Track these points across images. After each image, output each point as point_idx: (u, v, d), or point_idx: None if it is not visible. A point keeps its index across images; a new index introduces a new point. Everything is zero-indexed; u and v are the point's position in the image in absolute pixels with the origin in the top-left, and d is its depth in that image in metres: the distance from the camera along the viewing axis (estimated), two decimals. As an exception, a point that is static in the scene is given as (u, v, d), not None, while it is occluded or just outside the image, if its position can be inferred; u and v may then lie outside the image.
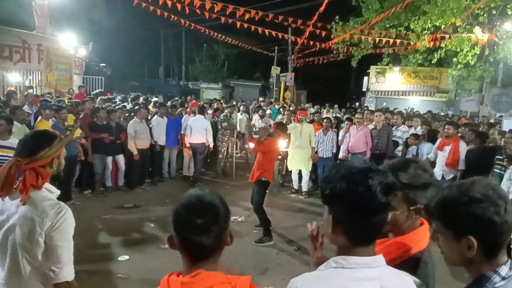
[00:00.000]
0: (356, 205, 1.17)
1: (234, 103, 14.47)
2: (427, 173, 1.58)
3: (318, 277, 1.21)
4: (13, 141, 4.81)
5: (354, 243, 1.21)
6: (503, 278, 1.17)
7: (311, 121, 9.00)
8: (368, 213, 1.18)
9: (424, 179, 1.54)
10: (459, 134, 6.82)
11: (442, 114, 16.76)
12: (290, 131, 8.28)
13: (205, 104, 10.70)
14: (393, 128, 8.36)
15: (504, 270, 1.18)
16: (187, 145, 8.83)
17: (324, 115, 11.69)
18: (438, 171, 6.43)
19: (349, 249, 1.21)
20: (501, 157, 5.63)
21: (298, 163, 8.15)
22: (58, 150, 2.01)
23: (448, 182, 6.21)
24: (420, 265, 1.47)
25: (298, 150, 8.08)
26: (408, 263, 1.44)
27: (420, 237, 1.53)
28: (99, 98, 10.21)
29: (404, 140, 7.98)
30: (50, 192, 1.99)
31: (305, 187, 8.19)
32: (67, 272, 1.88)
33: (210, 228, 1.23)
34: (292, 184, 8.46)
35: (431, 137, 7.53)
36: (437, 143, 6.72)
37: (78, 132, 6.78)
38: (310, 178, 8.40)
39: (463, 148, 6.32)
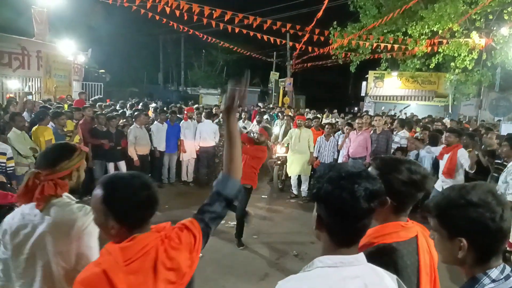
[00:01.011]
0: (338, 209, 1.21)
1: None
2: (416, 174, 1.59)
3: (305, 278, 1.23)
4: (3, 146, 5.09)
5: (336, 243, 1.25)
6: (493, 281, 1.20)
7: (308, 127, 9.01)
8: (350, 218, 1.21)
9: (405, 175, 1.58)
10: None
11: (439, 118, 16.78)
12: (289, 136, 8.32)
13: (213, 110, 10.84)
14: (394, 133, 8.34)
15: (494, 273, 1.21)
16: (197, 148, 9.00)
17: (324, 121, 11.74)
18: (439, 182, 6.07)
19: (333, 249, 1.25)
20: (500, 161, 5.64)
21: (297, 168, 8.18)
22: (78, 162, 2.02)
23: None
24: (389, 254, 1.50)
25: (297, 155, 8.12)
26: (375, 250, 1.49)
27: (387, 231, 1.57)
28: (97, 104, 10.24)
29: (401, 145, 7.93)
30: (70, 199, 2.04)
31: (304, 192, 8.20)
32: None
33: (148, 204, 1.48)
34: (292, 190, 8.46)
35: (432, 140, 7.55)
36: (439, 151, 6.31)
37: (77, 139, 6.78)
38: (309, 183, 8.40)
39: (462, 155, 5.82)
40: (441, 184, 6.02)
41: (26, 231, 1.89)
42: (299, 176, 8.34)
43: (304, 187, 8.22)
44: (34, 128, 6.38)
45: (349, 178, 1.21)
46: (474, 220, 1.19)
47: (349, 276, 1.20)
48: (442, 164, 6.09)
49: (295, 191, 8.39)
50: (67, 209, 1.91)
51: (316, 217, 1.28)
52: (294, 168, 8.20)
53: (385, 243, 1.52)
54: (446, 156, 6.01)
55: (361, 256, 1.27)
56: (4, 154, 5.11)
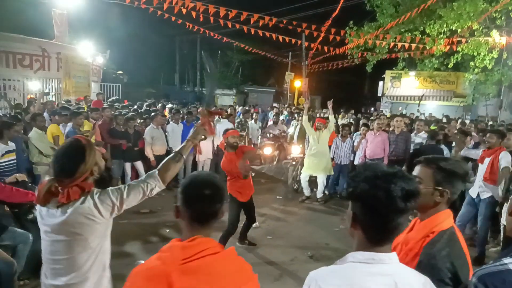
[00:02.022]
0: (373, 208, 1.23)
1: (247, 108, 14.52)
2: (463, 168, 1.80)
3: (336, 271, 1.28)
4: (11, 144, 5.22)
5: (370, 241, 1.28)
6: None
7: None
8: (384, 216, 1.23)
9: (459, 169, 1.76)
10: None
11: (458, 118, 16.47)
12: (308, 135, 8.20)
13: (229, 110, 11.00)
14: (413, 134, 8.13)
15: None
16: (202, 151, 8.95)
17: (340, 121, 11.63)
18: (476, 188, 5.52)
19: (366, 246, 1.28)
20: None
21: (316, 170, 7.96)
22: (92, 160, 2.06)
23: (483, 203, 5.37)
24: (453, 238, 1.67)
25: (316, 157, 7.89)
26: (439, 238, 1.64)
27: (442, 219, 1.72)
28: (114, 105, 10.41)
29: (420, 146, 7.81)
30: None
31: (320, 193, 8.11)
32: None
33: (214, 199, 1.55)
34: (303, 191, 8.28)
35: (445, 140, 7.45)
36: (479, 154, 5.76)
37: (93, 139, 6.92)
38: (326, 185, 8.29)
39: (503, 157, 5.22)
40: (477, 190, 5.47)
41: (53, 238, 2.06)
42: (311, 177, 8.19)
43: (320, 188, 8.06)
44: (48, 127, 6.61)
45: (384, 178, 1.23)
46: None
47: (379, 273, 1.23)
48: (482, 168, 5.45)
49: (306, 193, 8.21)
50: (87, 198, 2.04)
51: (351, 215, 1.31)
52: (313, 169, 7.97)
53: (445, 230, 1.68)
54: (487, 160, 5.40)
55: (394, 255, 1.29)
56: (14, 151, 5.26)
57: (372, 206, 1.23)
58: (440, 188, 1.72)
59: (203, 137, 2.43)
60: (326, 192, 8.38)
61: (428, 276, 1.36)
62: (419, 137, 7.90)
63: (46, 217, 2.05)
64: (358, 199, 1.27)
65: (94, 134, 6.96)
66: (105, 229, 2.11)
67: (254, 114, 11.60)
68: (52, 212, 2.02)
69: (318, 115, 12.84)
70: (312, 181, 8.28)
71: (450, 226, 1.70)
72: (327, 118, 8.78)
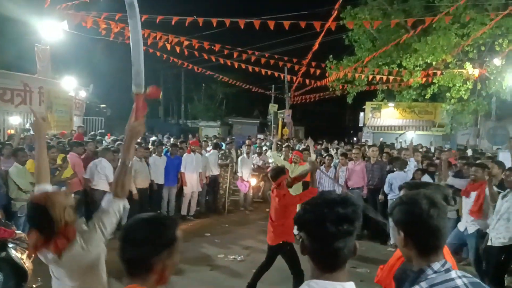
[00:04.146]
0: (310, 232, 1.28)
1: (228, 139, 14.54)
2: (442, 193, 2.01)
3: None
4: None
5: (318, 267, 1.31)
6: (435, 272, 1.42)
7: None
8: (320, 240, 1.27)
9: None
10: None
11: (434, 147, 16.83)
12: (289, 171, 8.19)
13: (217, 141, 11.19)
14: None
15: (436, 265, 1.43)
16: (204, 180, 9.30)
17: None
18: (463, 223, 5.47)
19: (318, 273, 1.31)
20: (502, 191, 5.57)
21: None
22: (59, 212, 2.05)
23: (471, 237, 5.31)
24: None
25: (295, 191, 7.84)
26: None
27: None
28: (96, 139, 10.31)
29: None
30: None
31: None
32: None
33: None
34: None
35: (428, 170, 7.53)
36: (463, 185, 5.74)
37: (68, 173, 6.79)
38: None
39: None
40: (465, 224, 5.40)
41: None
42: None
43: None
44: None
45: (323, 204, 1.27)
46: (404, 213, 1.48)
47: None
48: (469, 202, 5.39)
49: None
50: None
51: (301, 242, 1.35)
52: None
53: None
54: (473, 194, 5.34)
55: (350, 285, 1.30)
56: None
57: (309, 231, 1.28)
58: None
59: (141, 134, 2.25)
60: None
61: None
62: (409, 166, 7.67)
63: (47, 260, 2.11)
64: (299, 226, 1.32)
65: (69, 168, 6.80)
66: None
67: (246, 147, 11.07)
68: (49, 256, 2.06)
69: (299, 147, 12.91)
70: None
71: None
72: (305, 150, 8.88)
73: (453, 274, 1.43)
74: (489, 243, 4.98)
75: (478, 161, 7.09)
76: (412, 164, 7.60)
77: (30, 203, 2.11)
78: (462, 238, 5.49)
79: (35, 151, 2.53)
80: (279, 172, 4.87)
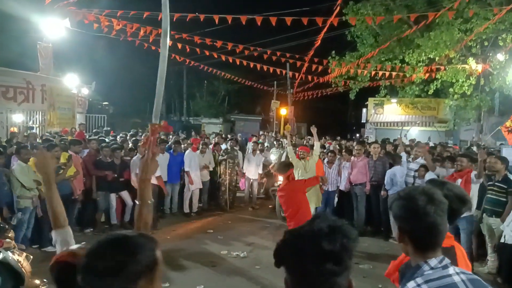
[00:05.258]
0: (289, 270, 1.14)
1: (230, 136, 14.55)
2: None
3: None
4: None
5: None
6: (432, 268, 1.41)
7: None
8: (302, 282, 1.11)
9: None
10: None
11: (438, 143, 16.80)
12: (295, 166, 8.10)
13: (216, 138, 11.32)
14: (409, 158, 7.98)
15: (433, 261, 1.42)
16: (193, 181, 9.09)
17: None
18: None
19: None
20: (492, 183, 5.69)
21: (311, 200, 7.82)
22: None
23: (462, 220, 5.43)
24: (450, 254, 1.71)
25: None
26: None
27: None
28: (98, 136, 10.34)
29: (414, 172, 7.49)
30: None
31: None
32: None
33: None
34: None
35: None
36: (445, 174, 6.12)
37: (71, 171, 6.81)
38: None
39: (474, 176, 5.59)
40: None
41: None
42: None
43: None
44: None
45: (305, 236, 1.12)
46: (400, 208, 1.47)
47: None
48: None
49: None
50: None
51: (284, 281, 1.19)
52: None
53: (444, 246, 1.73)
54: (458, 181, 5.57)
55: None
56: None
57: (287, 267, 1.14)
58: None
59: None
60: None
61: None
62: (417, 163, 7.54)
63: None
64: (278, 261, 1.17)
65: (72, 166, 6.81)
66: None
67: (252, 144, 11.04)
68: None
69: (304, 142, 12.92)
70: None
71: (450, 245, 1.79)
72: (311, 146, 8.82)
73: (450, 270, 1.42)
74: (502, 240, 5.05)
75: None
76: (404, 158, 7.90)
77: (56, 263, 1.71)
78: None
79: (45, 194, 2.00)
80: (287, 165, 5.11)
